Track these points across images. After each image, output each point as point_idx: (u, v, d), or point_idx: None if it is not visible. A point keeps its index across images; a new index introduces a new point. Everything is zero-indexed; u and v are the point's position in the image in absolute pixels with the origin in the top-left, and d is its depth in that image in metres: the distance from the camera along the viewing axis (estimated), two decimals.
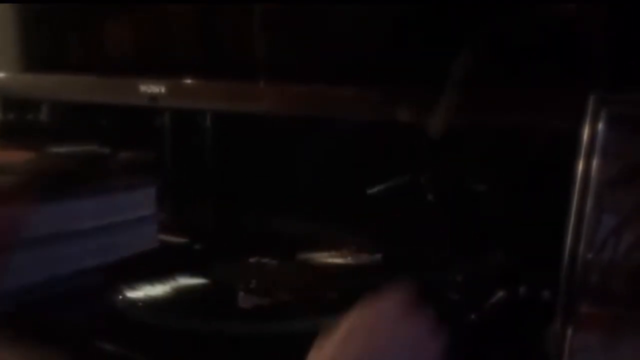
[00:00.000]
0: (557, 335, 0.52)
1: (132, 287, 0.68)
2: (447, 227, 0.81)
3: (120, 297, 0.66)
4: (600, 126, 0.51)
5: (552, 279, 0.53)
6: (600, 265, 0.51)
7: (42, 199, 0.73)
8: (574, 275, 0.52)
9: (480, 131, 0.78)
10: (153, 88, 0.93)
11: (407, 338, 0.47)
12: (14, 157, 0.85)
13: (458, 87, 0.71)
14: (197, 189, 1.04)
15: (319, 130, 0.92)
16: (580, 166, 0.52)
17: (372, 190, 0.88)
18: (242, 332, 0.59)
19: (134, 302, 0.65)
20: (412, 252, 0.80)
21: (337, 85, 0.80)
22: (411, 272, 0.74)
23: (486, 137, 0.80)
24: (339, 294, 0.66)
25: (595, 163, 0.51)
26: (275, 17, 0.88)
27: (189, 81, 0.92)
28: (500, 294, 0.64)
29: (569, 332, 0.52)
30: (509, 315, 0.63)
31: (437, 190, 0.84)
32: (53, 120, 1.18)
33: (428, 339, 0.48)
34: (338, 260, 0.78)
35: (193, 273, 0.72)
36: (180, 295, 0.68)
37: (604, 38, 0.66)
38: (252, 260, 0.77)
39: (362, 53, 0.81)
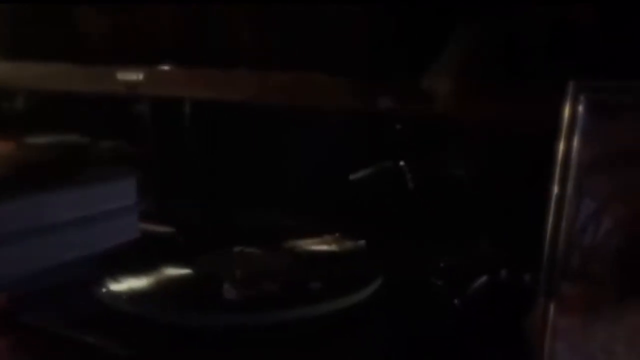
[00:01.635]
0: (539, 316, 0.53)
1: (116, 280, 0.68)
2: (429, 213, 0.81)
3: (104, 289, 0.66)
4: (579, 112, 0.52)
5: (532, 263, 0.54)
6: (581, 249, 0.52)
7: (21, 191, 0.72)
8: (555, 258, 0.52)
9: (461, 119, 0.78)
10: (131, 75, 0.92)
11: None
12: None
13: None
14: (179, 178, 1.03)
15: (301, 117, 0.92)
16: (560, 151, 0.52)
17: (354, 176, 0.88)
18: (227, 323, 0.59)
19: (117, 295, 0.65)
20: (395, 238, 0.80)
21: (318, 73, 0.80)
22: (394, 258, 0.74)
23: (468, 124, 0.80)
24: (324, 282, 0.66)
25: (574, 148, 0.52)
26: (257, 3, 0.87)
27: (167, 68, 0.92)
28: (483, 279, 0.64)
29: (551, 313, 0.53)
30: (491, 300, 0.63)
31: (419, 176, 0.84)
32: (31, 110, 1.17)
33: None
34: (322, 248, 0.78)
35: (176, 264, 0.72)
36: (164, 286, 0.67)
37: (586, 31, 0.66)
38: (235, 249, 0.76)
39: (344, 41, 0.81)
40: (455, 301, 0.62)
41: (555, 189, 0.52)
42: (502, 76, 0.71)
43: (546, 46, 0.69)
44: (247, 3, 0.87)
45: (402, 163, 0.85)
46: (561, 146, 0.52)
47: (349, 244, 0.78)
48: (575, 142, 0.52)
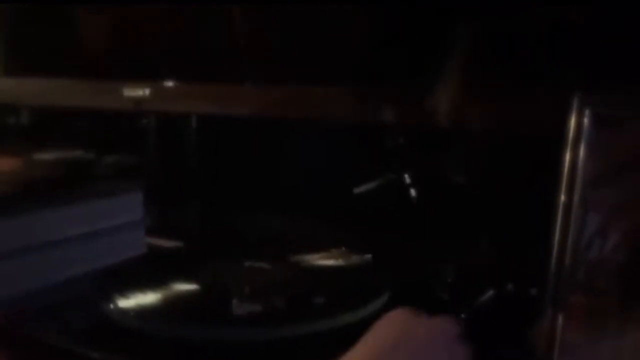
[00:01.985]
0: (546, 330, 0.53)
1: (123, 295, 0.68)
2: (434, 226, 0.81)
3: (111, 305, 0.66)
4: (584, 126, 0.52)
5: (538, 276, 0.54)
6: (588, 262, 0.52)
7: (28, 207, 0.72)
8: (562, 272, 0.52)
9: (463, 129, 0.78)
10: (137, 92, 0.92)
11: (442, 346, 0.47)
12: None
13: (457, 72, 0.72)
14: (185, 192, 1.03)
15: (304, 130, 0.93)
16: (566, 166, 0.52)
17: (358, 190, 0.88)
18: (235, 339, 0.59)
19: (125, 310, 0.65)
20: (401, 251, 0.80)
21: (321, 86, 0.81)
22: (400, 272, 0.74)
23: (470, 134, 0.80)
24: (331, 297, 0.66)
25: (580, 162, 0.52)
26: (259, 19, 0.88)
27: (172, 84, 0.92)
28: (489, 293, 0.64)
29: (558, 326, 0.53)
30: (497, 314, 0.63)
31: (423, 189, 0.84)
32: (36, 126, 1.17)
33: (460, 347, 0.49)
34: (329, 262, 0.78)
35: (184, 278, 0.72)
36: (172, 302, 0.68)
37: (586, 39, 0.67)
38: (243, 264, 0.77)
39: (346, 54, 0.81)
40: (462, 315, 0.62)
41: (562, 203, 0.52)
42: (502, 80, 0.71)
43: (546, 48, 0.69)
44: (249, 20, 0.87)
45: (406, 176, 0.85)
46: (567, 159, 0.52)
47: (355, 258, 0.78)
48: (581, 155, 0.52)
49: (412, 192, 0.85)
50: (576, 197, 0.52)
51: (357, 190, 0.89)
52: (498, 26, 0.72)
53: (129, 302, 0.67)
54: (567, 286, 0.53)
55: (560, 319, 0.53)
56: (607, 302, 0.52)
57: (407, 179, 0.84)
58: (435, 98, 0.74)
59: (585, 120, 0.52)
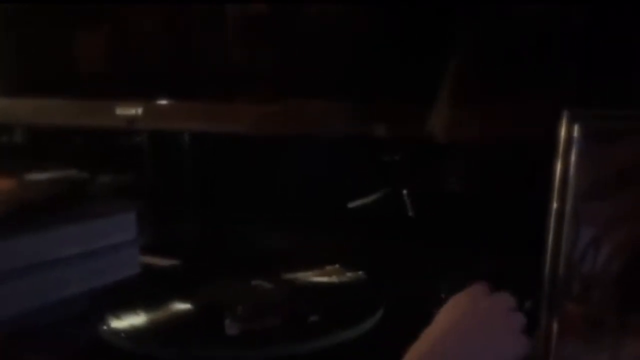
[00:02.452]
0: (541, 341, 0.53)
1: (117, 315, 0.67)
2: (429, 240, 0.81)
3: (105, 326, 0.66)
4: (574, 140, 0.52)
5: (533, 287, 0.54)
6: (582, 273, 0.52)
7: (22, 228, 0.72)
8: (556, 282, 0.53)
9: (458, 142, 0.78)
10: (130, 110, 0.92)
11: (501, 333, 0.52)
12: None
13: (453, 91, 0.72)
14: (179, 210, 1.03)
15: (300, 146, 0.93)
16: (557, 181, 0.53)
17: (354, 204, 0.88)
18: (229, 359, 0.59)
19: (118, 331, 0.65)
20: (395, 267, 0.80)
21: (315, 102, 0.81)
22: (395, 289, 0.74)
23: (465, 147, 0.80)
24: (325, 315, 0.66)
25: (571, 172, 0.52)
26: (251, 36, 0.88)
27: (165, 102, 0.92)
28: None
29: (554, 337, 0.53)
30: None
31: (419, 203, 0.84)
32: (30, 145, 1.17)
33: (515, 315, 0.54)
34: (322, 279, 0.78)
35: (177, 298, 0.72)
36: (165, 322, 0.67)
37: (575, 52, 0.67)
38: (237, 283, 0.76)
39: (340, 69, 0.81)
40: None
41: (554, 210, 0.53)
42: (495, 93, 0.71)
43: (537, 58, 0.69)
44: (241, 37, 0.88)
45: (404, 191, 0.85)
46: (557, 177, 0.53)
47: (349, 275, 0.77)
48: (572, 169, 0.52)
49: (408, 205, 0.85)
50: (568, 206, 0.52)
51: (352, 205, 0.89)
52: (491, 40, 0.72)
53: (122, 323, 0.66)
54: (562, 296, 0.53)
55: (555, 330, 0.53)
56: (604, 312, 0.52)
57: (403, 193, 0.85)
58: (430, 113, 0.74)
59: (575, 136, 0.52)
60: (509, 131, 0.71)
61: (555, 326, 0.53)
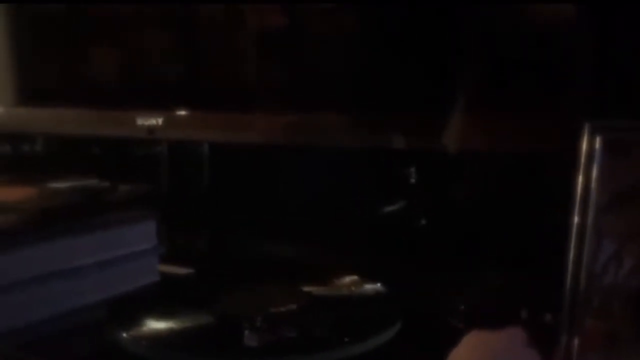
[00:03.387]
0: (562, 355, 0.52)
1: (136, 323, 0.68)
2: (446, 253, 0.81)
3: (124, 334, 0.66)
4: (596, 153, 0.52)
5: (553, 301, 0.54)
6: (603, 287, 0.52)
7: (43, 236, 0.73)
8: (577, 297, 0.52)
9: (471, 154, 0.78)
10: (150, 120, 0.93)
11: None
12: (13, 194, 0.86)
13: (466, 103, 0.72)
14: (198, 219, 1.04)
15: (317, 157, 0.93)
16: (578, 193, 0.52)
17: (367, 216, 0.88)
18: None
19: (136, 340, 0.65)
20: (413, 278, 0.80)
21: (331, 113, 0.81)
22: (413, 300, 0.74)
23: (482, 160, 0.80)
24: (343, 326, 0.66)
25: (592, 189, 0.52)
26: (269, 47, 0.89)
27: (185, 113, 0.93)
28: (504, 319, 0.64)
29: (574, 351, 0.52)
30: None
31: (434, 215, 0.84)
32: (50, 155, 1.18)
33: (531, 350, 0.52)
34: (340, 291, 0.78)
35: (196, 307, 0.72)
36: (183, 332, 0.67)
37: (592, 64, 0.67)
38: (255, 293, 0.76)
39: (353, 80, 0.82)
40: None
41: (575, 224, 0.52)
42: (510, 105, 0.71)
43: (551, 70, 0.69)
44: (260, 48, 0.88)
45: (417, 202, 0.85)
46: (578, 188, 0.52)
47: (366, 287, 0.77)
48: (593, 182, 0.52)
49: (423, 219, 0.84)
50: (590, 219, 0.52)
51: (369, 217, 0.89)
52: (505, 50, 0.72)
53: (141, 330, 0.67)
54: (583, 311, 0.52)
55: (576, 345, 0.52)
56: (624, 327, 0.52)
57: (418, 205, 0.84)
58: (444, 124, 0.74)
59: (596, 148, 0.52)
60: (525, 141, 0.71)
61: (575, 341, 0.52)
